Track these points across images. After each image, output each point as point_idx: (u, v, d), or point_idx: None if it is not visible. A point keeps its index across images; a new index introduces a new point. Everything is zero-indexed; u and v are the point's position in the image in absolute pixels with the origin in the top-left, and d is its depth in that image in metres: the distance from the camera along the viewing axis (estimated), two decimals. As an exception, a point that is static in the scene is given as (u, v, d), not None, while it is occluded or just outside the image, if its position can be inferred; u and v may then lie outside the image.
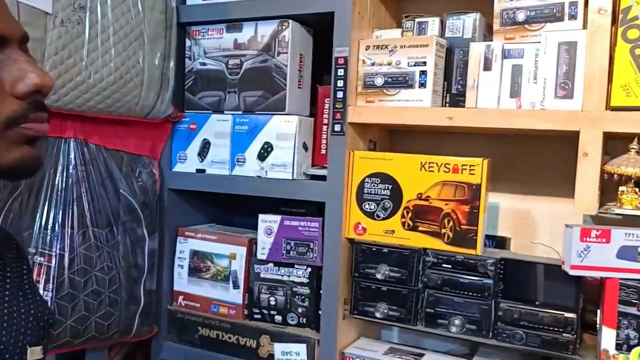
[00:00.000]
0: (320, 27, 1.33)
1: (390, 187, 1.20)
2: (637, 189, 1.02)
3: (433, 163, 1.16)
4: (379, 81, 1.21)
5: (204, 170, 1.42)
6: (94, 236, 1.26)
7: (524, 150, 1.31)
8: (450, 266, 1.15)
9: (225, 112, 1.38)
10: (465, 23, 1.19)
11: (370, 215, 1.22)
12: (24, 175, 0.67)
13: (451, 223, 1.15)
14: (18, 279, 0.72)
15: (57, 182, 1.20)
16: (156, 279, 1.42)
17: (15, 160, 0.62)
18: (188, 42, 1.42)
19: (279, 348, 1.32)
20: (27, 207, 1.16)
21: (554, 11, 1.10)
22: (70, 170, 1.22)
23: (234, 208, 1.63)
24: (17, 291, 0.70)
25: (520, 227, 1.33)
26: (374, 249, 1.21)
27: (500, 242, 1.31)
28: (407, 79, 1.18)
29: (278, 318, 1.36)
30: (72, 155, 1.22)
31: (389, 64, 1.20)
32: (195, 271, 1.45)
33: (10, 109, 0.60)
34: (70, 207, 1.22)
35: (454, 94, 1.20)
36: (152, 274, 1.40)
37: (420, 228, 1.18)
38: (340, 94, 1.22)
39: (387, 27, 1.34)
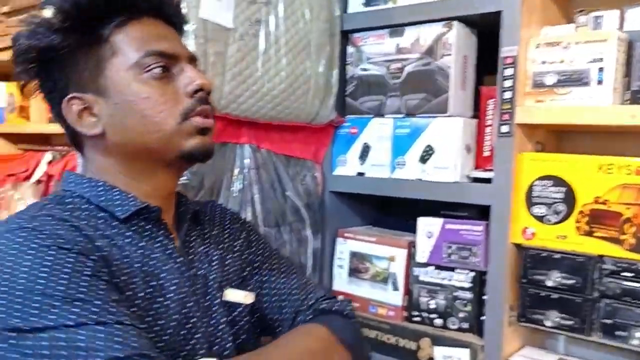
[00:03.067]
0: (483, 27, 1.31)
1: (563, 190, 1.15)
2: None
3: (612, 165, 1.09)
4: (550, 80, 1.16)
5: (363, 173, 1.45)
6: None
7: None
8: (631, 275, 1.07)
9: (386, 115, 1.41)
10: (649, 14, 1.11)
11: (540, 219, 1.17)
12: (201, 159, 0.83)
13: (633, 229, 1.07)
14: (230, 239, 0.95)
15: (234, 184, 1.30)
16: (318, 278, 1.48)
17: (193, 146, 0.80)
18: (350, 49, 1.47)
19: (440, 352, 1.31)
20: (209, 207, 1.27)
21: None
22: (245, 174, 1.31)
23: (390, 211, 1.65)
24: (217, 246, 0.91)
25: None
26: (543, 255, 1.17)
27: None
28: (582, 77, 1.12)
29: (438, 322, 1.35)
30: (246, 160, 1.31)
31: (562, 61, 1.15)
32: (354, 272, 1.49)
33: (184, 105, 0.80)
34: (245, 207, 1.31)
35: (634, 90, 1.12)
36: (314, 273, 1.46)
37: (596, 233, 1.11)
38: (507, 95, 1.19)
39: (556, 23, 1.28)
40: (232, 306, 0.87)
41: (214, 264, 0.88)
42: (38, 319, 0.62)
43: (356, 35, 1.45)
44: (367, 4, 1.45)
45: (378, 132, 1.42)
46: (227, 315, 0.86)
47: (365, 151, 1.45)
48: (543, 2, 1.25)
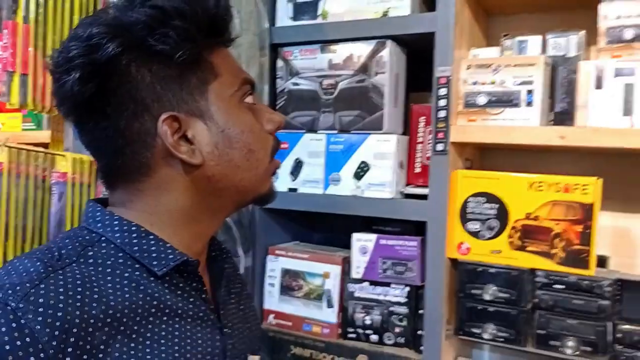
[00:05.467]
0: (411, 45, 1.34)
1: (496, 206, 1.19)
2: None
3: (543, 182, 1.15)
4: (482, 100, 1.21)
5: (296, 189, 1.42)
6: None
7: (624, 168, 1.29)
8: (562, 287, 1.14)
9: (319, 131, 1.39)
10: (570, 41, 1.18)
11: (475, 234, 1.21)
12: (267, 203, 0.79)
13: (562, 243, 1.13)
14: (238, 296, 0.85)
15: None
16: (250, 298, 1.43)
17: (270, 189, 0.77)
18: (279, 63, 1.43)
19: (377, 368, 1.32)
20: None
21: (670, 28, 1.08)
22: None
23: (318, 226, 1.64)
24: (239, 306, 0.84)
25: (620, 245, 1.31)
26: (479, 269, 1.21)
27: (600, 261, 1.28)
28: (512, 98, 1.18)
29: (374, 337, 1.35)
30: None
31: (492, 83, 1.20)
32: (286, 290, 1.46)
33: (270, 143, 0.76)
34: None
35: (557, 112, 1.19)
36: (246, 293, 1.41)
37: (528, 248, 1.17)
38: (442, 114, 1.22)
39: (478, 46, 1.33)
40: None
41: (243, 330, 0.82)
42: None
43: (286, 49, 1.42)
44: (295, 18, 1.43)
45: (311, 147, 1.40)
46: None
47: (297, 167, 1.42)
48: (470, 24, 1.30)
